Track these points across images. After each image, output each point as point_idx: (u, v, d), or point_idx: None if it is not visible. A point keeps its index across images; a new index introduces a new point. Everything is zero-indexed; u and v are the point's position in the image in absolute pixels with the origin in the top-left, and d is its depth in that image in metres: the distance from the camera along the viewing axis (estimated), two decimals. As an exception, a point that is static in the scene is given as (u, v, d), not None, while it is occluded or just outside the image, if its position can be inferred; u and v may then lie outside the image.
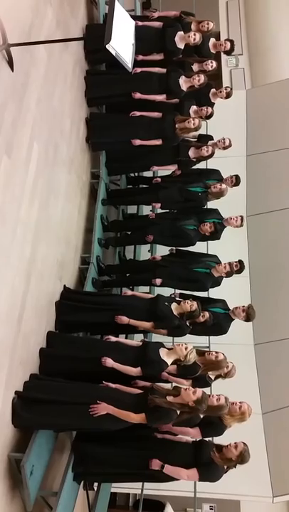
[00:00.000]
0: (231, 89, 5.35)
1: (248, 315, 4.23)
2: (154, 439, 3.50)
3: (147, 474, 3.51)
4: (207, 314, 4.01)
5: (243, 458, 3.24)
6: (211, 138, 5.48)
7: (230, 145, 5.30)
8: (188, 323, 3.97)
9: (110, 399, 3.15)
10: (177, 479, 3.40)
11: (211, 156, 5.13)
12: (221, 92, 5.29)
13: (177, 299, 4.30)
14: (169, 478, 3.39)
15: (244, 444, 3.27)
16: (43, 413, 3.20)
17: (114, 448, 3.51)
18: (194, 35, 4.81)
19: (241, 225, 4.95)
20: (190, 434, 3.53)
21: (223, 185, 5.05)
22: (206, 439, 3.59)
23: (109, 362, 3.49)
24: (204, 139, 5.34)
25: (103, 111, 5.44)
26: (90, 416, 3.09)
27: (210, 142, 5.36)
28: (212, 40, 5.24)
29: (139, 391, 3.33)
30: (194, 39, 4.82)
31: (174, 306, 3.94)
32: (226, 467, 3.32)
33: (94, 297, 4.34)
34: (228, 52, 5.37)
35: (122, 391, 3.32)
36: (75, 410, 3.18)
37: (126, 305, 4.08)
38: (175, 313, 3.90)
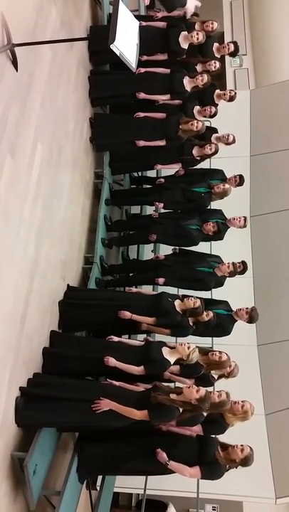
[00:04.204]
0: (236, 93, 5.34)
1: (251, 317, 4.22)
2: (159, 432, 3.49)
3: (150, 469, 3.52)
4: (211, 314, 4.00)
5: (246, 461, 3.25)
6: (215, 131, 5.47)
7: (233, 141, 5.29)
8: (191, 323, 3.96)
9: (113, 395, 3.16)
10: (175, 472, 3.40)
11: (214, 153, 5.12)
12: (225, 94, 5.30)
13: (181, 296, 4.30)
14: (172, 471, 3.40)
15: (250, 448, 3.27)
16: (45, 410, 3.21)
17: (118, 444, 3.51)
18: (197, 34, 4.82)
19: (245, 226, 4.94)
20: (191, 431, 3.53)
21: (227, 185, 5.05)
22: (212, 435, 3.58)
23: (111, 361, 3.49)
24: (209, 132, 5.33)
25: (107, 111, 5.44)
26: (93, 412, 3.10)
27: (214, 136, 5.36)
28: (216, 44, 5.24)
29: (142, 389, 3.34)
30: (197, 38, 4.83)
31: (177, 302, 3.95)
32: (227, 466, 3.32)
33: (97, 293, 4.35)
34: (233, 54, 5.38)
35: (125, 388, 3.33)
36: (78, 407, 3.19)
37: (129, 300, 4.09)
38: (178, 309, 3.90)
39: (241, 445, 3.27)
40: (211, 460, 3.30)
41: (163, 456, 3.32)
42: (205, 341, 4.81)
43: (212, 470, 3.33)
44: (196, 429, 3.52)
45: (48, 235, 3.81)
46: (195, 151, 5.16)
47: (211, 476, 3.38)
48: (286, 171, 6.48)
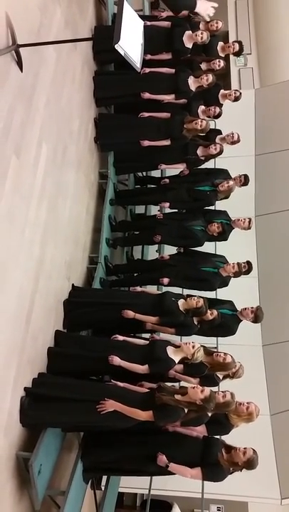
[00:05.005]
0: (241, 93, 5.33)
1: (256, 316, 4.20)
2: (164, 432, 3.48)
3: (154, 470, 3.52)
4: (215, 312, 4.00)
5: (249, 464, 3.20)
6: (219, 132, 5.47)
7: (238, 140, 5.28)
8: (196, 322, 3.96)
9: (118, 396, 3.16)
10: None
11: (219, 153, 5.11)
12: (230, 94, 5.30)
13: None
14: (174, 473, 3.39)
15: (254, 451, 3.21)
16: (50, 410, 3.21)
17: (122, 444, 3.51)
18: (201, 33, 4.83)
19: (249, 228, 4.91)
20: (196, 431, 3.52)
21: (231, 182, 5.04)
22: (217, 436, 3.57)
23: (116, 360, 3.50)
24: (213, 134, 5.33)
25: (112, 111, 5.45)
26: (98, 413, 3.09)
27: (218, 137, 5.35)
28: (220, 43, 5.23)
29: (147, 389, 3.34)
30: (201, 38, 4.83)
31: (180, 302, 3.94)
32: (231, 469, 3.30)
33: (101, 292, 4.36)
34: (237, 54, 5.39)
35: (129, 389, 3.32)
36: (83, 407, 3.19)
37: (133, 299, 4.10)
38: (181, 308, 3.90)
39: (244, 448, 3.22)
40: (214, 462, 3.28)
41: (163, 459, 3.31)
42: (210, 341, 4.81)
43: (214, 472, 3.31)
44: (200, 430, 3.51)
45: (52, 236, 3.81)
46: (199, 151, 5.15)
47: (213, 478, 3.37)
48: (291, 170, 6.46)
